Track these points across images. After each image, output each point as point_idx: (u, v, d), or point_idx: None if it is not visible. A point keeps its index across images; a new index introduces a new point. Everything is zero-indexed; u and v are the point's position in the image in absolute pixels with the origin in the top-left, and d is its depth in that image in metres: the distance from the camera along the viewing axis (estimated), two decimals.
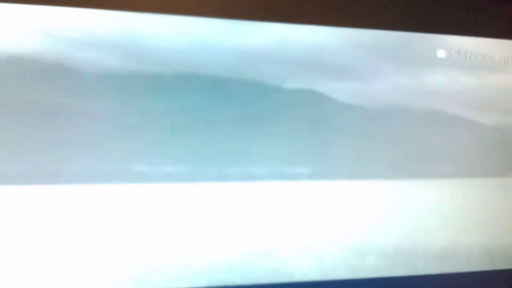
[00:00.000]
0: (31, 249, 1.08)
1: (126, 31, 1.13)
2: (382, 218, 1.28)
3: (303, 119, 1.23)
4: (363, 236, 1.27)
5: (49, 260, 1.09)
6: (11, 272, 1.06)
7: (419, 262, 1.30)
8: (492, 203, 1.35)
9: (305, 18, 1.22)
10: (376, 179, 1.27)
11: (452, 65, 1.31)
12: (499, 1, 1.32)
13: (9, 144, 1.07)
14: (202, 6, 1.17)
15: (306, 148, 1.23)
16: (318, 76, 1.24)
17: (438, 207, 1.31)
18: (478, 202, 1.34)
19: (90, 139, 1.11)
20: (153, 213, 1.14)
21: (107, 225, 1.11)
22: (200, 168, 1.17)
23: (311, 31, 1.22)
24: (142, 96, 1.14)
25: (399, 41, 1.28)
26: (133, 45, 1.13)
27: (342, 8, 1.24)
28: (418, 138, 1.30)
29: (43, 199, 1.09)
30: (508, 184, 1.35)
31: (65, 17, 1.10)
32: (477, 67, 1.32)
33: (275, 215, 1.21)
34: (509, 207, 1.35)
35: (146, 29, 1.14)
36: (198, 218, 1.17)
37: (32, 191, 1.08)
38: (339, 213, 1.25)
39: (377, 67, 1.27)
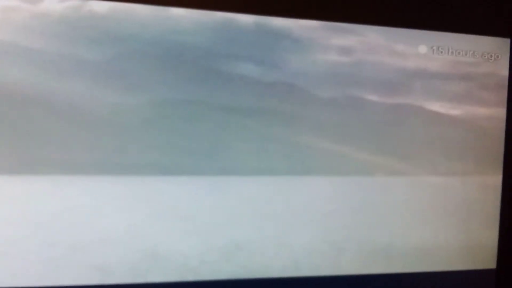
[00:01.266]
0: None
1: (105, 19, 1.11)
2: (360, 215, 1.27)
3: (280, 113, 1.22)
4: (341, 232, 1.25)
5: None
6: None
7: (397, 260, 1.28)
8: (471, 202, 1.33)
9: (290, 11, 1.21)
10: (354, 175, 1.26)
11: (433, 61, 1.30)
12: None
13: None
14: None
15: (284, 144, 1.22)
16: (296, 70, 1.22)
17: (417, 205, 1.30)
18: (457, 200, 1.33)
19: (65, 130, 1.09)
20: (128, 205, 1.13)
21: (84, 218, 1.10)
22: (177, 161, 1.15)
23: (292, 24, 1.21)
24: (121, 88, 1.13)
25: (380, 35, 1.26)
26: (112, 35, 1.12)
27: (326, 2, 1.23)
28: (397, 135, 1.28)
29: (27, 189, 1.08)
30: (488, 183, 1.34)
31: (49, 7, 1.08)
32: (458, 63, 1.31)
33: (252, 210, 1.20)
34: (489, 206, 1.34)
35: (129, 18, 1.12)
36: (174, 211, 1.15)
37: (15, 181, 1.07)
38: (317, 210, 1.24)
39: (357, 62, 1.26)
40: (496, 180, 1.34)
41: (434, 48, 1.29)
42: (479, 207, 1.34)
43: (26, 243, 1.08)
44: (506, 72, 1.33)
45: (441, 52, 1.30)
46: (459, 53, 1.31)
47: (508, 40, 1.32)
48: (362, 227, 1.26)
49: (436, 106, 1.30)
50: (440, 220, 1.31)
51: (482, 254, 1.34)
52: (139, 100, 1.14)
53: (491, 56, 1.32)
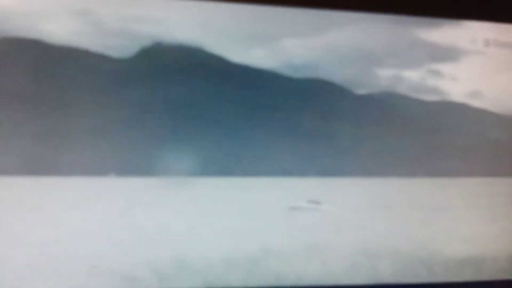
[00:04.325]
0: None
1: (128, 19, 1.07)
2: (398, 219, 1.18)
3: (313, 110, 1.15)
4: (378, 238, 1.17)
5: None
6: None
7: (439, 268, 1.19)
8: None
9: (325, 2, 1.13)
10: (392, 176, 1.18)
11: (482, 54, 1.20)
12: None
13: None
14: None
15: (316, 143, 1.15)
16: (334, 65, 1.15)
17: (461, 208, 1.21)
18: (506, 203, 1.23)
19: (89, 132, 1.06)
20: (153, 208, 1.09)
21: (106, 219, 1.06)
22: (204, 162, 1.10)
23: (331, 17, 1.13)
24: (148, 89, 1.09)
25: (428, 28, 1.17)
26: (135, 35, 1.07)
27: None
28: (439, 133, 1.20)
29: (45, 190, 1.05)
30: None
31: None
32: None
33: (280, 213, 1.13)
34: None
35: (150, 17, 1.08)
36: (198, 214, 1.10)
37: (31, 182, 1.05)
38: (351, 214, 1.17)
39: (402, 56, 1.17)
40: None
41: (490, 40, 1.19)
42: None
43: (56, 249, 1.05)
44: None
45: (494, 44, 1.19)
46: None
47: None
48: (399, 232, 1.18)
49: (484, 104, 1.20)
50: (486, 225, 1.22)
51: None
52: (170, 99, 1.09)
53: None
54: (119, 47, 1.07)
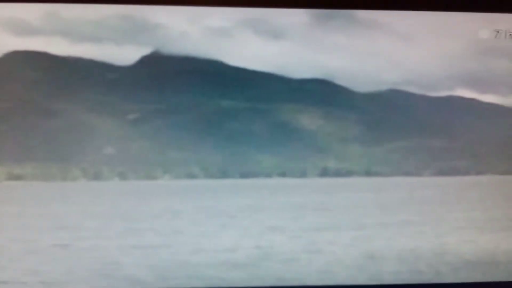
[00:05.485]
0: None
1: (138, 23, 1.07)
2: (402, 217, 1.16)
3: (317, 111, 1.13)
4: (381, 237, 1.16)
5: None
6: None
7: (447, 269, 1.17)
8: None
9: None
10: (398, 176, 1.15)
11: (496, 46, 1.12)
12: None
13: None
14: None
15: (318, 142, 1.13)
16: (335, 64, 1.12)
17: (469, 206, 1.17)
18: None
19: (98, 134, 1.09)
20: (153, 210, 1.12)
21: (107, 223, 1.11)
22: (204, 165, 1.12)
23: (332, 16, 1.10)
24: (152, 91, 1.10)
25: (437, 21, 1.11)
26: (142, 38, 1.08)
27: None
28: (446, 131, 1.15)
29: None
30: None
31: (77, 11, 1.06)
32: None
33: (282, 214, 1.14)
34: None
35: (157, 20, 1.08)
36: (199, 215, 1.13)
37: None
38: (355, 212, 1.16)
39: (410, 52, 1.12)
40: None
41: (501, 31, 1.11)
42: None
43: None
44: None
45: (507, 36, 1.12)
46: None
47: None
48: (404, 231, 1.16)
49: (492, 98, 1.14)
50: (501, 222, 1.18)
51: None
52: (173, 101, 1.10)
53: None
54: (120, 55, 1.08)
